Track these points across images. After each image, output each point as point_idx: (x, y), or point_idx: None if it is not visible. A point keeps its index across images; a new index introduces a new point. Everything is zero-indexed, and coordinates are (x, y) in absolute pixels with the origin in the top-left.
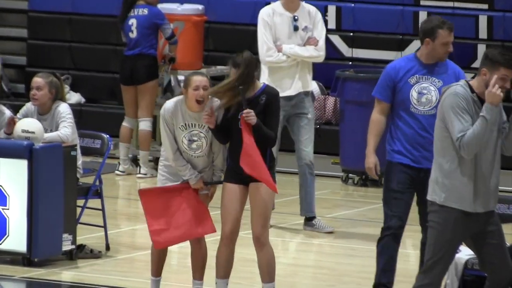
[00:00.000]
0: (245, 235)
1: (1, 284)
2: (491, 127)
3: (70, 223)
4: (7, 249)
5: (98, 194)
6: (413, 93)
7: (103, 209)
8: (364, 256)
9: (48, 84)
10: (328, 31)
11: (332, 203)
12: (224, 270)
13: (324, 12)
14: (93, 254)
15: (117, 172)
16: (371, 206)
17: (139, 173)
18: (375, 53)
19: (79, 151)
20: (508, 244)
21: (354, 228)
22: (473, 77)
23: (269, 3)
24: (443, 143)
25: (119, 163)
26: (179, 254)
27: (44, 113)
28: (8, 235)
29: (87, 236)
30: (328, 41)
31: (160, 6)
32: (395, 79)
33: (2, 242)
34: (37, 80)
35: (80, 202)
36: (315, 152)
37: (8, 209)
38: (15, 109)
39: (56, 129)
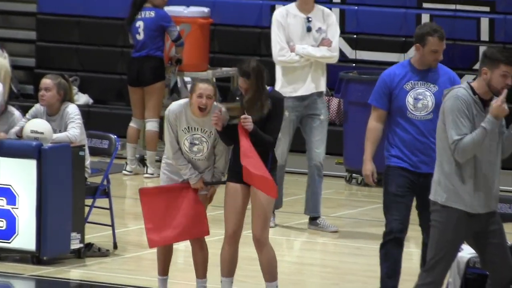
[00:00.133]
0: (250, 234)
1: (11, 281)
2: (489, 137)
3: (79, 222)
4: (16, 248)
5: (106, 194)
6: (409, 99)
7: (110, 208)
8: (368, 255)
9: (56, 85)
10: None
11: (336, 202)
12: (229, 269)
13: None
14: (101, 253)
15: (124, 172)
16: (374, 205)
17: (146, 173)
18: (378, 55)
19: (87, 151)
20: (509, 243)
21: (358, 227)
22: (474, 79)
23: (273, 6)
24: (445, 144)
25: (126, 163)
26: (186, 252)
27: (52, 114)
28: (17, 234)
29: (95, 235)
30: None
31: (167, 8)
32: (390, 86)
33: (12, 240)
34: (46, 81)
35: (88, 201)
36: None
37: (17, 208)
38: (24, 110)
39: (65, 129)
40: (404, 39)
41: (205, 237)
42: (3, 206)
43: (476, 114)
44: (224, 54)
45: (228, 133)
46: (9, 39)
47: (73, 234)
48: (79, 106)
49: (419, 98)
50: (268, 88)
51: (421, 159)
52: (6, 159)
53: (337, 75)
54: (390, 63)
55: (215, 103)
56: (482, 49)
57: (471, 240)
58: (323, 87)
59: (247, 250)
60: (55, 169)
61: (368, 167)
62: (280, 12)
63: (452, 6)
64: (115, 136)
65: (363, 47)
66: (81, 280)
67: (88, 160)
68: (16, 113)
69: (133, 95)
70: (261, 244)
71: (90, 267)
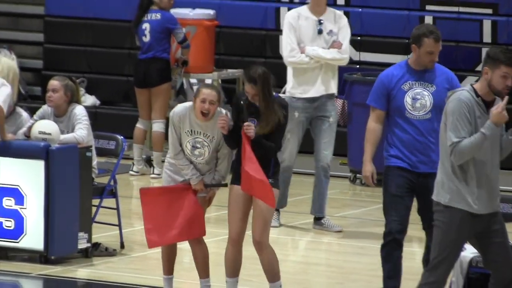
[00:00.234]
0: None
1: (19, 281)
2: (489, 141)
3: (86, 222)
4: (24, 247)
5: (113, 194)
6: (407, 99)
7: (117, 208)
8: (372, 255)
9: (63, 87)
10: None
11: (341, 202)
12: (233, 269)
13: None
14: (108, 252)
15: (131, 172)
16: (378, 205)
17: (153, 173)
18: (382, 56)
19: (94, 152)
20: (511, 242)
21: (362, 227)
22: (476, 80)
23: (278, 8)
24: (447, 146)
25: (133, 163)
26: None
27: (60, 115)
28: (25, 234)
29: (102, 234)
30: None
31: (173, 11)
32: (388, 87)
33: (20, 240)
34: (53, 82)
35: (95, 201)
36: None
37: (25, 208)
38: (32, 111)
39: (72, 130)
40: (407, 41)
41: (210, 237)
42: (11, 206)
43: (479, 116)
44: (230, 56)
45: (234, 137)
46: (17, 41)
47: (81, 234)
48: (86, 107)
49: (417, 98)
50: (273, 94)
51: (420, 159)
52: (14, 160)
53: (341, 76)
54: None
55: (219, 108)
56: (484, 50)
57: (473, 240)
58: (333, 89)
59: (251, 250)
60: (62, 169)
61: (368, 168)
62: (292, 13)
63: (455, 8)
64: (122, 137)
65: (367, 49)
66: (88, 279)
67: (95, 160)
68: (24, 114)
69: (139, 97)
70: (261, 246)
71: (97, 267)
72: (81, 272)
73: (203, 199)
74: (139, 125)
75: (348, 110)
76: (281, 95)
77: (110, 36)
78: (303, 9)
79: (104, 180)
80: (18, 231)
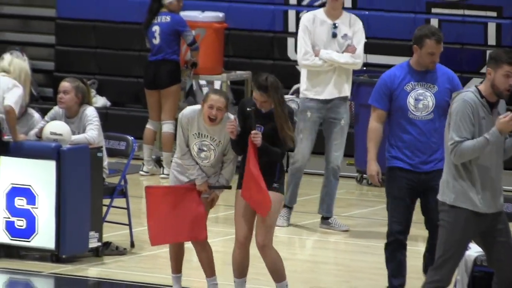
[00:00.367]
0: None
1: (31, 279)
2: (490, 147)
3: (97, 221)
4: (36, 246)
5: (123, 194)
6: (410, 100)
7: (128, 208)
8: (378, 253)
9: (74, 88)
10: None
11: (348, 202)
12: (240, 270)
13: None
14: (119, 251)
15: (141, 172)
16: (384, 205)
17: (162, 173)
18: (388, 58)
19: (105, 152)
20: None
21: (368, 226)
22: (481, 82)
23: (286, 11)
24: None
25: (143, 164)
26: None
27: (71, 116)
28: (37, 233)
29: (113, 233)
30: None
31: (183, 13)
32: (391, 88)
33: (32, 239)
34: (65, 84)
35: (106, 201)
36: None
37: (37, 208)
38: (43, 112)
39: (83, 131)
40: None
41: (218, 236)
42: (23, 205)
43: (484, 117)
44: (238, 58)
45: (241, 143)
46: (29, 43)
47: (91, 233)
48: (97, 108)
49: (419, 99)
50: None
51: (421, 159)
52: (26, 160)
53: None
54: None
55: (227, 113)
56: (489, 53)
57: (478, 239)
58: (346, 92)
59: None
60: (73, 169)
61: (373, 167)
62: (307, 16)
63: (460, 11)
64: (132, 138)
65: (374, 51)
66: (99, 278)
67: (106, 161)
68: (36, 115)
69: (149, 98)
70: (265, 250)
71: (108, 265)
72: (92, 270)
73: (205, 200)
74: (149, 126)
75: (355, 111)
76: (289, 96)
77: (121, 38)
78: (319, 12)
79: (114, 180)
80: (30, 231)
